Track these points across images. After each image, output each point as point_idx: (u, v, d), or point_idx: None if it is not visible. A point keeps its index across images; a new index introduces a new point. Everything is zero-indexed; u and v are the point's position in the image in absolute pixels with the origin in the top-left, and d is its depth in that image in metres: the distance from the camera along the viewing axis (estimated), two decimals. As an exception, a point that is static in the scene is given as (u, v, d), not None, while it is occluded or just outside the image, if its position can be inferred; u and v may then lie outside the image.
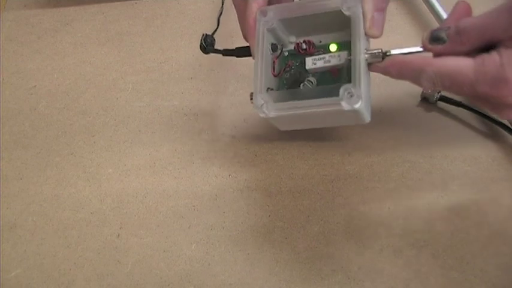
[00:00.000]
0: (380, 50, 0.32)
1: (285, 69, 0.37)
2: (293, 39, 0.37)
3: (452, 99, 0.43)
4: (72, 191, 0.45)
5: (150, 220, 0.43)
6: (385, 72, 0.32)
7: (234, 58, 0.39)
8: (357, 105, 0.30)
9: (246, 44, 0.37)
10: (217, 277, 0.40)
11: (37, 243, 0.43)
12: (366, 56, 0.32)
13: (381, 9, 0.32)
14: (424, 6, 0.48)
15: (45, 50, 0.54)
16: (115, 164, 0.46)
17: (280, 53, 0.37)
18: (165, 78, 0.50)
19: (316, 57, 0.35)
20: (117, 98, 0.50)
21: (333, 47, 0.35)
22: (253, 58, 0.35)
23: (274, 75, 0.36)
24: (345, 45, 0.35)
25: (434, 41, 0.30)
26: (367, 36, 0.32)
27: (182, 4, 0.55)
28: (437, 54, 0.31)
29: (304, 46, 0.36)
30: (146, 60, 0.51)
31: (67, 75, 0.52)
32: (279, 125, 0.38)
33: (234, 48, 0.39)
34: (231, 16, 0.47)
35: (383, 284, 0.38)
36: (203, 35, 0.39)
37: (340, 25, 0.34)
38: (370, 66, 0.32)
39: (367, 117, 0.33)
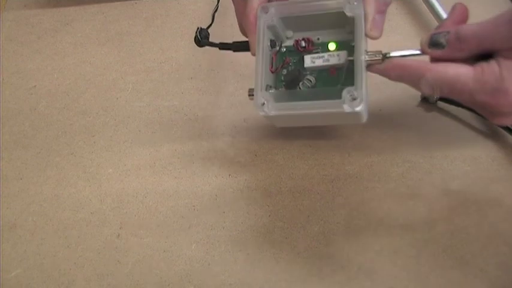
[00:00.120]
0: (380, 52, 0.32)
1: (282, 65, 0.36)
2: (290, 34, 0.37)
3: (452, 99, 0.43)
4: (72, 191, 0.45)
5: (150, 220, 0.43)
6: (384, 74, 0.32)
7: (233, 58, 0.39)
8: (358, 108, 0.31)
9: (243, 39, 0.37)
10: (217, 277, 0.40)
11: (37, 243, 0.43)
12: (366, 57, 0.32)
13: (382, 12, 0.32)
14: (424, 6, 0.48)
15: (45, 50, 0.54)
16: (115, 164, 0.46)
17: (279, 50, 0.37)
18: (165, 78, 0.50)
19: (315, 55, 0.35)
20: (117, 98, 0.50)
21: (332, 46, 0.35)
22: (252, 54, 0.35)
23: (272, 72, 0.36)
24: (344, 45, 0.35)
25: (434, 45, 0.30)
26: (367, 37, 0.32)
27: (182, 4, 0.55)
28: (435, 59, 0.31)
29: (303, 44, 0.36)
30: (146, 60, 0.51)
31: (67, 75, 0.52)
32: (277, 123, 0.38)
33: (231, 42, 0.38)
34: (226, 13, 0.47)
35: (383, 284, 0.38)
36: (198, 28, 0.39)
37: (339, 23, 0.34)
38: (369, 67, 0.32)
39: (365, 117, 0.33)
